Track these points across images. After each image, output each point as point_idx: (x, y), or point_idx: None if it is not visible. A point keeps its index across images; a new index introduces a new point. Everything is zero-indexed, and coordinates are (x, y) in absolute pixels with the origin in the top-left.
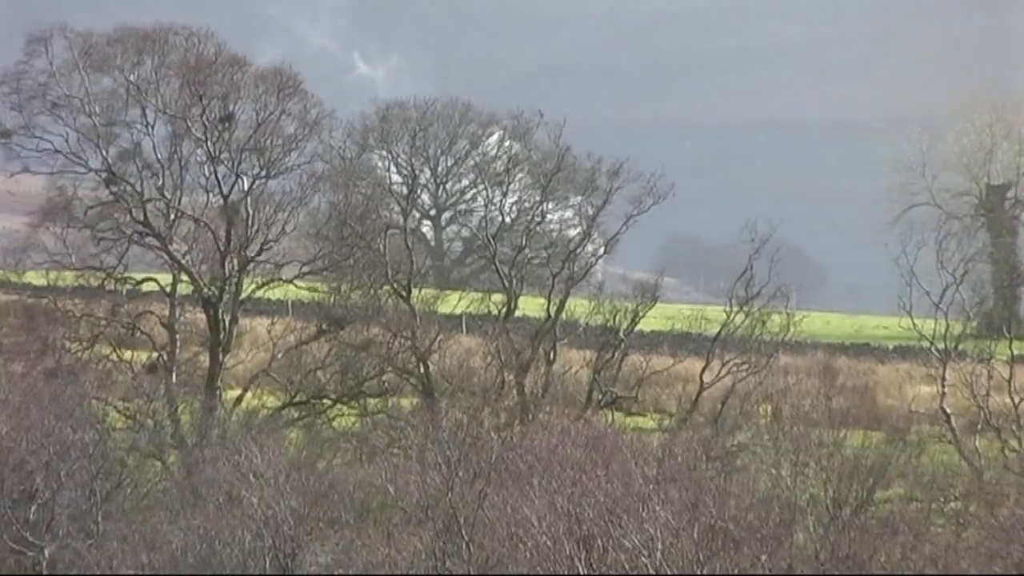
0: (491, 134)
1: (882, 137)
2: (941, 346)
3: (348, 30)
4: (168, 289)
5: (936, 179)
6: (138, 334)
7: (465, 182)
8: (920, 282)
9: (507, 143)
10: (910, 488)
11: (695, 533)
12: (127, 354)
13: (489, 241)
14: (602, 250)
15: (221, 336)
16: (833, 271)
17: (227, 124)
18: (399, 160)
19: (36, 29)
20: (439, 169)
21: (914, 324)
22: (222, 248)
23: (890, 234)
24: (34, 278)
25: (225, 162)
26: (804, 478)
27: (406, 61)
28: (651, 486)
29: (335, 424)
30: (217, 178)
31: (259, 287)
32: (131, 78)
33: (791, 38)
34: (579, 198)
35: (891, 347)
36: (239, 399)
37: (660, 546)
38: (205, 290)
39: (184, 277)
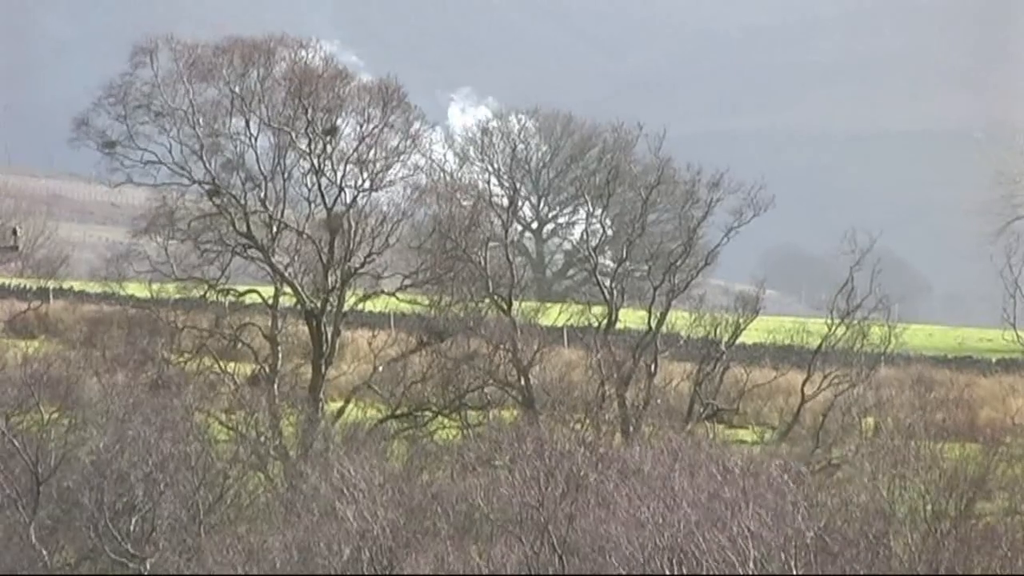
0: (592, 147)
1: (985, 147)
2: None
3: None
4: (270, 301)
5: None
6: (240, 346)
7: (566, 195)
8: None
9: (608, 156)
10: (1013, 500)
11: (792, 546)
12: (230, 366)
13: (590, 253)
14: (703, 262)
15: (323, 348)
16: (936, 283)
17: (331, 136)
18: (500, 173)
19: (142, 39)
20: (540, 182)
21: (1018, 336)
22: (325, 260)
23: (994, 245)
24: (136, 289)
25: (328, 174)
26: (903, 490)
27: (504, 73)
28: (747, 498)
29: (436, 437)
30: (320, 190)
31: (361, 299)
32: (236, 89)
33: (894, 48)
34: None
35: (994, 360)
36: (341, 411)
37: (753, 557)
38: (308, 302)
39: (286, 289)
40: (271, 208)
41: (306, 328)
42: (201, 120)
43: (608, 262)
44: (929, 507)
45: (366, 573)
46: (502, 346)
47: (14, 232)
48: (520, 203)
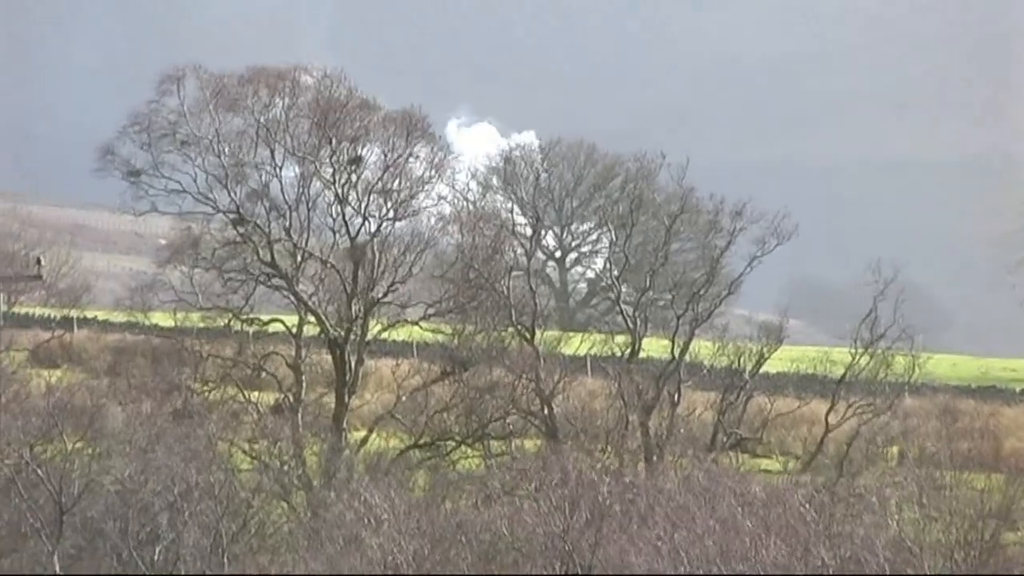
0: (615, 176)
1: (1006, 177)
2: None
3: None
4: (294, 330)
5: None
6: (264, 375)
7: (589, 224)
8: None
9: (631, 185)
10: None
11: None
12: (253, 395)
13: (613, 283)
14: (726, 292)
15: (347, 377)
16: (959, 313)
17: (356, 166)
18: (523, 202)
19: (169, 68)
20: (564, 211)
21: None
22: (348, 290)
23: (1017, 275)
24: (161, 319)
25: (352, 204)
26: (927, 520)
27: (528, 104)
28: (770, 529)
29: (459, 466)
30: (345, 220)
31: (384, 328)
32: (261, 119)
33: (912, 77)
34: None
35: (1018, 389)
36: (364, 440)
37: None
38: (331, 331)
39: (310, 318)
40: (295, 237)
41: (330, 357)
42: (226, 149)
43: (631, 291)
44: (953, 538)
45: None
46: (525, 375)
47: (38, 261)
48: (543, 232)
